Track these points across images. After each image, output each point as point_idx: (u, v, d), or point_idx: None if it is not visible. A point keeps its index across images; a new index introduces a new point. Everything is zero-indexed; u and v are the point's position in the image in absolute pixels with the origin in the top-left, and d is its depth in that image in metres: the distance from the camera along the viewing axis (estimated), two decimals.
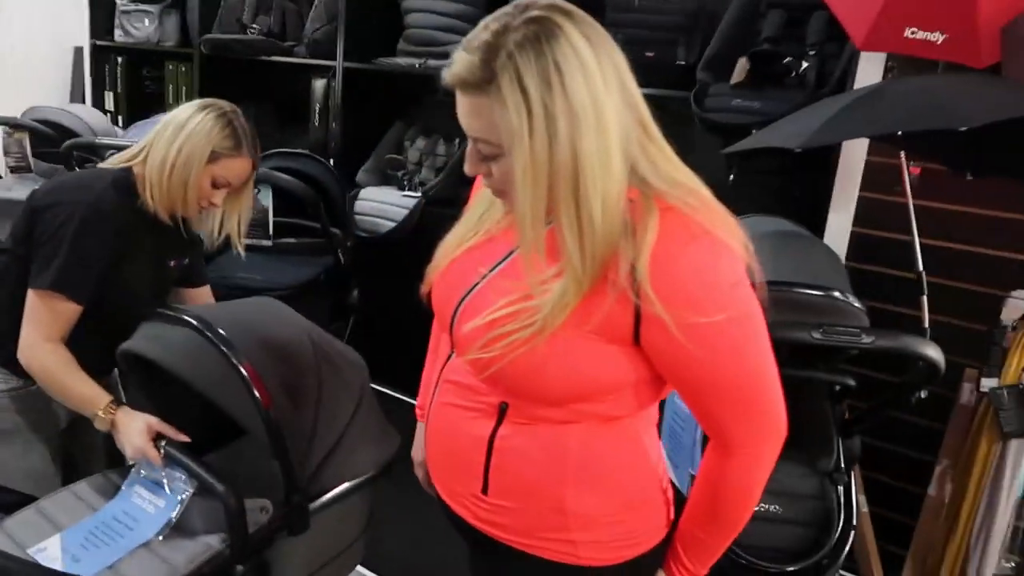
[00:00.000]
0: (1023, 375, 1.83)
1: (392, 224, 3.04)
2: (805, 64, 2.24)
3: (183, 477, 1.39)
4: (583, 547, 1.06)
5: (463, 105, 0.96)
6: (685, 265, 0.92)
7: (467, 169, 1.01)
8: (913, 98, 1.39)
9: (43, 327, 1.46)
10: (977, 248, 2.07)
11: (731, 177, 2.26)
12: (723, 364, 0.96)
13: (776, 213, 2.15)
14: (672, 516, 1.13)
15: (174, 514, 1.35)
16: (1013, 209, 2.01)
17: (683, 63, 2.54)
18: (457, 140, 3.22)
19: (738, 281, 0.95)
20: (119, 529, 1.35)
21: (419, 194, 3.07)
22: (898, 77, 1.70)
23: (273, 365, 1.36)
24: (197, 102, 1.57)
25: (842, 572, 1.93)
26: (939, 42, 1.71)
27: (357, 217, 3.10)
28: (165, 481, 1.40)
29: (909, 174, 2.07)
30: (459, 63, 0.93)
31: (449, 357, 1.14)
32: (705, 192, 0.97)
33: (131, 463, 1.45)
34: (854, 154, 2.18)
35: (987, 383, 1.93)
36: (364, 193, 3.17)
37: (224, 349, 1.30)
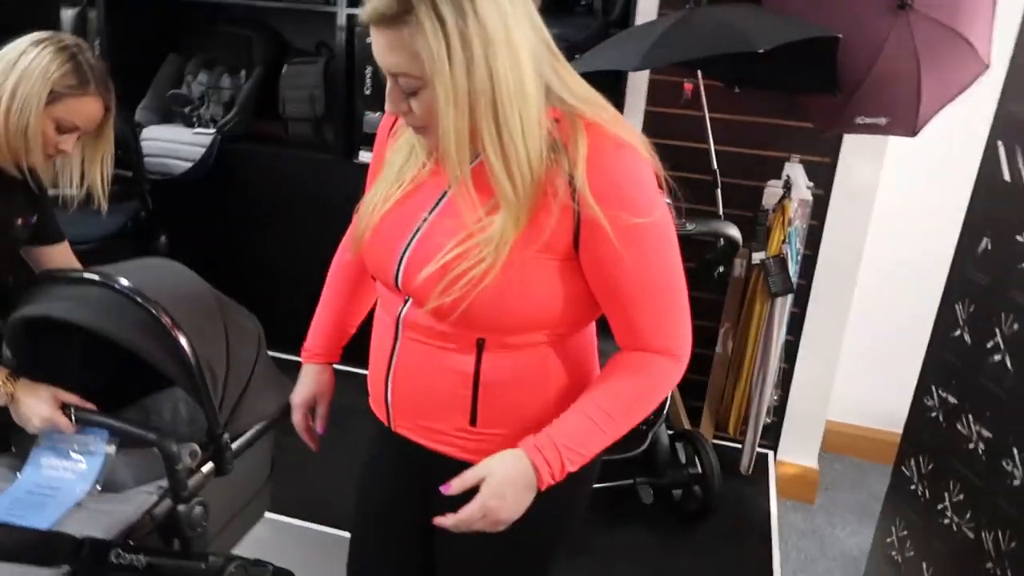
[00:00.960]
0: (783, 247, 2.32)
1: (187, 164, 2.89)
2: None
3: (96, 438, 1.36)
4: None
5: (381, 41, 0.97)
6: (619, 171, 0.99)
7: (388, 108, 1.02)
8: (717, 28, 1.69)
9: None
10: (739, 149, 2.52)
11: None
12: (650, 264, 1.03)
13: None
14: None
15: (98, 472, 1.33)
16: (766, 115, 2.47)
17: None
18: (243, 72, 3.09)
19: (657, 187, 1.03)
20: (40, 500, 1.29)
21: (213, 130, 2.93)
22: (691, 8, 2.01)
23: (183, 313, 1.36)
24: (31, 36, 1.41)
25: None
26: None
27: (146, 159, 2.90)
28: (76, 446, 1.35)
29: (684, 90, 2.46)
30: (374, 1, 0.94)
31: (404, 305, 1.10)
32: (611, 107, 1.04)
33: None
34: (639, 75, 2.51)
35: (757, 256, 2.41)
36: (148, 132, 2.94)
37: (139, 299, 1.28)
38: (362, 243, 1.11)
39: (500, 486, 1.02)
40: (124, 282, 1.28)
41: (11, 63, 1.39)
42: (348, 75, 2.77)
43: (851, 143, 2.41)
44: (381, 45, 0.97)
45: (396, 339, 1.13)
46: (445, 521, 1.04)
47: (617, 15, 2.50)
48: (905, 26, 1.85)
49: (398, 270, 1.07)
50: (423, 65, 0.94)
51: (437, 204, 1.06)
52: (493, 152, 0.96)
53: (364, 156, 2.82)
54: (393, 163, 1.11)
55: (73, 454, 1.36)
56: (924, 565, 1.88)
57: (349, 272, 1.31)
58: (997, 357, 1.65)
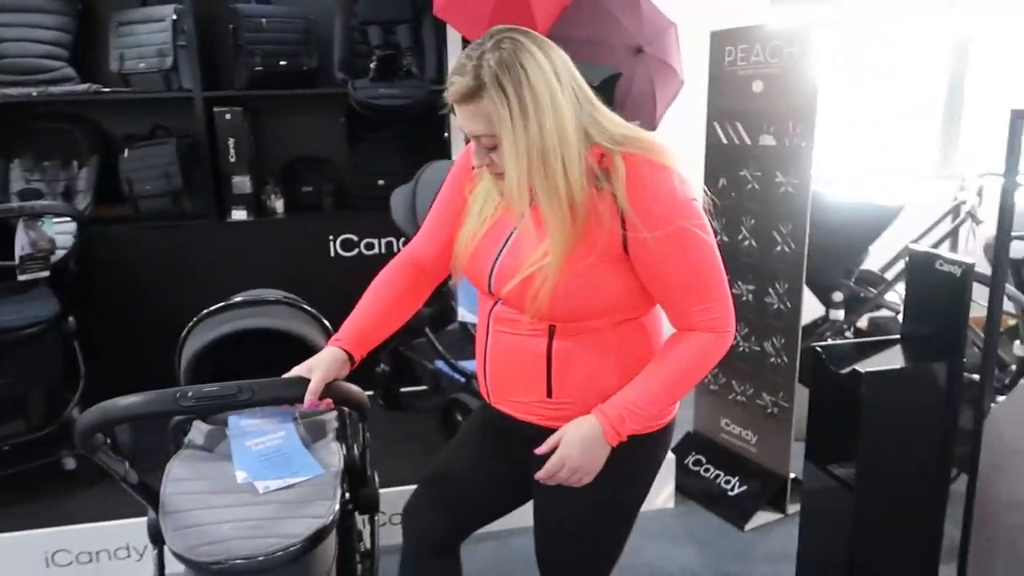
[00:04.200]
0: None
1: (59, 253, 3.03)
2: (409, 60, 3.31)
3: (278, 419, 1.82)
4: None
5: (462, 115, 1.23)
6: (652, 189, 1.22)
7: (474, 162, 1.29)
8: None
9: None
10: None
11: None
12: (687, 260, 1.24)
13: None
14: None
15: (298, 438, 1.80)
16: None
17: (307, 68, 3.31)
18: (74, 163, 3.27)
19: (692, 197, 1.25)
20: (280, 460, 1.73)
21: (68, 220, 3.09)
22: None
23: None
24: None
25: None
26: None
27: None
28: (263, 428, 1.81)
29: None
30: (456, 85, 1.20)
31: (494, 305, 1.38)
32: (647, 138, 1.27)
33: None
34: None
35: None
36: None
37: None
38: (463, 263, 1.39)
39: (573, 440, 1.27)
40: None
41: None
42: (212, 149, 3.19)
43: None
44: (464, 116, 1.23)
45: (488, 332, 1.41)
46: (539, 473, 1.29)
47: (433, 75, 3.34)
48: (643, 63, 2.99)
49: (490, 280, 1.35)
50: (495, 127, 1.20)
51: (513, 232, 1.34)
52: (541, 189, 1.21)
53: (236, 214, 3.26)
54: (473, 209, 1.40)
55: (267, 434, 1.80)
56: (733, 382, 3.03)
57: (399, 289, 1.52)
58: (746, 243, 2.86)
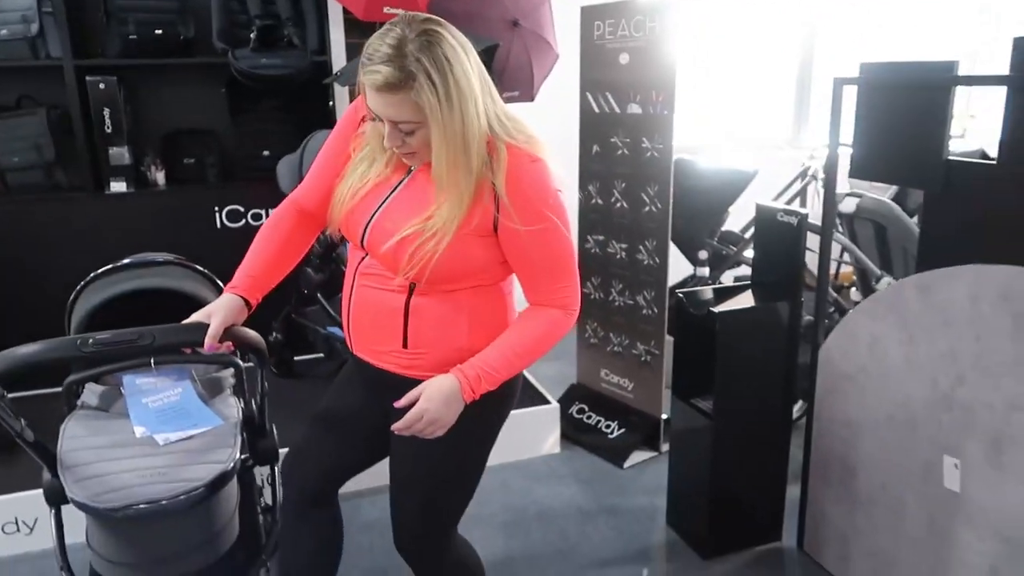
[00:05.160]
0: None
1: None
2: (290, 30, 3.32)
3: (174, 377, 1.87)
4: None
5: (384, 102, 1.27)
6: (527, 179, 1.34)
7: (388, 143, 1.34)
8: None
9: None
10: None
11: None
12: (547, 244, 1.38)
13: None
14: None
15: (195, 393, 1.86)
16: None
17: (184, 37, 3.26)
18: None
19: (558, 190, 1.38)
20: (177, 413, 1.78)
21: None
22: None
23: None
24: None
25: None
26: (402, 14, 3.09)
27: None
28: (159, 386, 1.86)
29: None
30: (383, 75, 1.24)
31: (362, 260, 1.48)
32: (530, 130, 1.39)
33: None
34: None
35: None
36: None
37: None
38: (340, 217, 1.47)
39: (433, 395, 1.36)
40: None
41: None
42: (86, 120, 3.11)
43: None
44: (385, 104, 1.28)
45: (353, 285, 1.50)
46: (398, 424, 1.37)
47: (315, 46, 3.37)
48: (520, 36, 3.14)
49: (363, 235, 1.44)
50: (422, 113, 1.28)
51: (390, 195, 1.44)
52: (455, 167, 1.31)
53: (115, 186, 3.19)
54: (356, 170, 1.47)
55: (164, 391, 1.85)
56: (611, 335, 3.26)
57: (284, 232, 1.59)
58: (618, 205, 3.07)
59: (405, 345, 1.46)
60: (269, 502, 2.03)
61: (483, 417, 1.47)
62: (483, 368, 1.40)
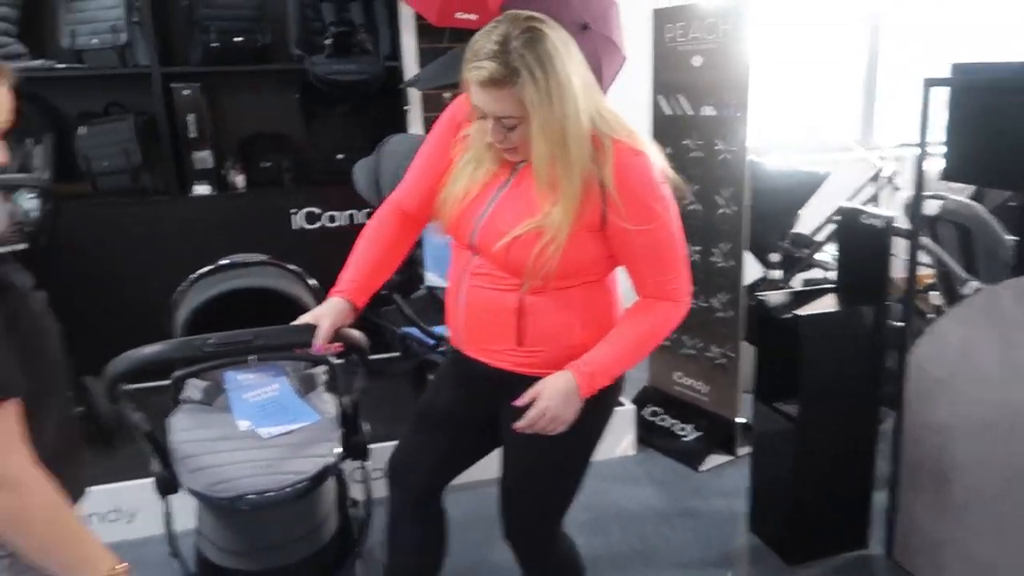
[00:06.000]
0: None
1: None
2: (364, 36, 3.39)
3: (270, 374, 1.94)
4: None
5: (488, 98, 1.31)
6: (634, 173, 1.36)
7: (492, 139, 1.38)
8: None
9: None
10: None
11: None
12: (655, 236, 1.39)
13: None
14: None
15: (291, 390, 1.92)
16: None
17: (262, 44, 3.35)
18: (27, 141, 3.24)
19: (664, 182, 1.40)
20: (275, 409, 1.85)
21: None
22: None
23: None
24: None
25: None
26: (474, 19, 3.13)
27: None
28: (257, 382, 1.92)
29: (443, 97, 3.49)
30: (488, 70, 1.28)
31: (471, 259, 1.48)
32: (632, 128, 1.40)
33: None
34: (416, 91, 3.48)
35: None
36: None
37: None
38: (450, 219, 1.49)
39: (553, 393, 1.39)
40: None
41: None
42: (172, 126, 3.22)
43: None
44: (489, 99, 1.32)
45: (464, 285, 1.51)
46: (520, 423, 1.40)
47: (387, 53, 3.43)
48: (590, 39, 3.15)
49: (472, 235, 1.47)
50: (524, 109, 1.31)
51: (497, 195, 1.46)
52: (554, 161, 1.34)
53: (198, 189, 3.30)
54: (464, 171, 1.49)
55: (262, 386, 1.91)
56: (684, 337, 3.24)
57: (388, 235, 1.61)
58: (692, 207, 3.06)
59: (520, 343, 1.48)
60: (355, 496, 2.09)
61: (596, 411, 1.49)
62: (599, 364, 1.42)
